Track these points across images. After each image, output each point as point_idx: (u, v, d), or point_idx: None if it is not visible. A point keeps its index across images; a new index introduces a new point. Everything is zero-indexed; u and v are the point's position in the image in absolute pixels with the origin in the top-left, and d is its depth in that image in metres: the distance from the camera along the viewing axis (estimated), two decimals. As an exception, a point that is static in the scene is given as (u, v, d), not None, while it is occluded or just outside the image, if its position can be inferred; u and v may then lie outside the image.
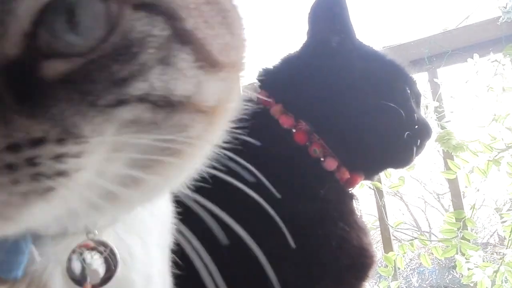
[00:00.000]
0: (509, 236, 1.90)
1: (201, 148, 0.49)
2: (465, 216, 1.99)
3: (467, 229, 1.98)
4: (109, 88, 0.40)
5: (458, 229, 1.96)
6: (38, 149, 0.37)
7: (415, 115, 1.10)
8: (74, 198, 0.41)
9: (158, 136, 0.42)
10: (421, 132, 1.10)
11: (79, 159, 0.39)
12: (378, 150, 1.08)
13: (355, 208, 1.11)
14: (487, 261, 2.01)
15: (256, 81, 1.21)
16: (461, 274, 1.94)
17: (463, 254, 1.92)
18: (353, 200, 1.11)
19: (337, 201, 1.05)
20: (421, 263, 2.62)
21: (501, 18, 1.90)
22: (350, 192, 1.11)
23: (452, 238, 1.96)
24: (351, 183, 1.11)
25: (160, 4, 0.41)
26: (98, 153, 0.40)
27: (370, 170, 1.16)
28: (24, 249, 0.46)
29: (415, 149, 1.09)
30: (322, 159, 1.07)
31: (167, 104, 0.42)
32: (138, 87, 0.40)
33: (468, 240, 1.96)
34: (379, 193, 2.07)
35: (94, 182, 0.41)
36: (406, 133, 1.07)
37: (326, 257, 1.00)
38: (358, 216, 1.08)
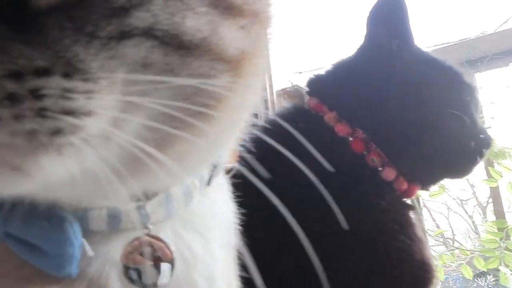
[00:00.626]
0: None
1: (234, 107, 0.43)
2: (508, 226, 1.92)
3: (510, 240, 1.91)
4: (108, 18, 0.35)
5: (501, 239, 1.90)
6: (43, 80, 0.32)
7: (478, 123, 1.05)
8: (89, 154, 0.35)
9: (175, 79, 0.37)
10: (484, 142, 1.04)
11: (89, 100, 0.34)
12: (441, 160, 1.03)
13: (414, 219, 1.06)
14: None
15: (304, 87, 1.17)
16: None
17: (507, 266, 1.85)
18: (411, 211, 1.06)
19: (396, 212, 1.00)
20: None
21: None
22: (407, 202, 1.06)
23: (495, 248, 1.89)
24: (409, 193, 1.06)
25: None
26: (110, 97, 0.36)
27: (429, 180, 1.11)
28: (72, 239, 0.41)
29: (478, 159, 1.04)
30: (380, 168, 1.02)
31: (178, 45, 0.38)
32: (140, 17, 0.36)
33: (511, 251, 1.89)
34: (417, 201, 2.01)
35: (111, 136, 0.36)
36: (472, 142, 1.02)
37: (387, 271, 0.95)
38: (417, 228, 1.04)
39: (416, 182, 1.07)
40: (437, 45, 2.10)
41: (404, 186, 1.05)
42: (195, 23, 0.38)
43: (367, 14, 1.05)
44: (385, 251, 0.95)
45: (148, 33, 0.36)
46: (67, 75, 0.34)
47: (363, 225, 0.95)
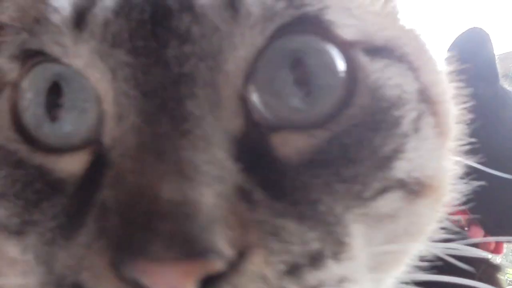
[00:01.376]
0: None
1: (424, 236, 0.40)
2: None
3: None
4: (374, 172, 0.32)
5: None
6: (319, 271, 0.28)
7: None
8: None
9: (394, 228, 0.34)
10: None
11: (352, 283, 0.30)
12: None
13: (500, 281, 0.96)
14: None
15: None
16: None
17: None
18: (499, 272, 0.96)
19: (488, 279, 0.90)
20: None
21: None
22: (495, 263, 0.96)
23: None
24: (497, 251, 0.96)
25: (394, 47, 0.34)
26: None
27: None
28: None
29: None
30: (466, 228, 0.92)
31: (417, 189, 0.34)
32: (400, 167, 0.33)
33: None
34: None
35: None
36: None
37: None
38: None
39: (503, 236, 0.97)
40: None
41: (492, 245, 0.94)
42: (433, 162, 0.36)
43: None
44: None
45: (403, 184, 0.33)
46: (336, 255, 0.29)
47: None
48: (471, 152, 0.49)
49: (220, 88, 0.30)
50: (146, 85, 0.30)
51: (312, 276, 0.28)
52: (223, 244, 0.25)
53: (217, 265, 0.25)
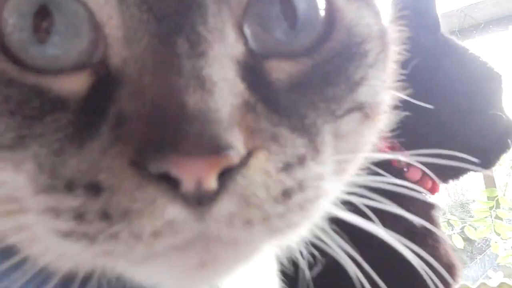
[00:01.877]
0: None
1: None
2: (497, 195, 1.95)
3: (499, 208, 1.94)
4: (346, 95, 0.39)
5: (491, 208, 1.93)
6: (304, 169, 0.35)
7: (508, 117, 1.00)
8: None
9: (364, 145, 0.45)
10: None
11: (323, 180, 0.37)
12: (474, 157, 0.99)
13: (437, 218, 1.03)
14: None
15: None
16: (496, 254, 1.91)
17: (498, 234, 1.89)
18: (435, 210, 1.03)
19: (423, 215, 0.96)
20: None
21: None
22: (431, 201, 1.03)
23: (486, 217, 1.92)
24: (433, 191, 1.03)
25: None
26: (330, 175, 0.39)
27: (454, 177, 1.07)
28: None
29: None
30: (405, 169, 0.98)
31: (371, 115, 0.42)
32: (363, 92, 0.40)
33: (501, 219, 1.93)
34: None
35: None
36: (509, 140, 0.97)
37: (418, 278, 0.92)
38: (440, 227, 1.00)
39: (440, 179, 1.04)
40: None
41: (429, 184, 1.00)
42: (386, 92, 0.44)
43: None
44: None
45: (362, 107, 0.40)
46: (314, 158, 0.36)
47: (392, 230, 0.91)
48: (402, 87, 0.54)
49: (225, 17, 0.35)
50: (160, 11, 0.34)
51: (299, 172, 0.35)
52: (238, 143, 0.31)
53: (234, 160, 0.31)
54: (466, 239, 2.07)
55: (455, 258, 0.99)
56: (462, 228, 1.97)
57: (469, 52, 1.02)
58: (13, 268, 0.36)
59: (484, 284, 1.54)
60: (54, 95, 0.34)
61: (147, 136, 0.31)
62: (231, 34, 0.35)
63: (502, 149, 1.01)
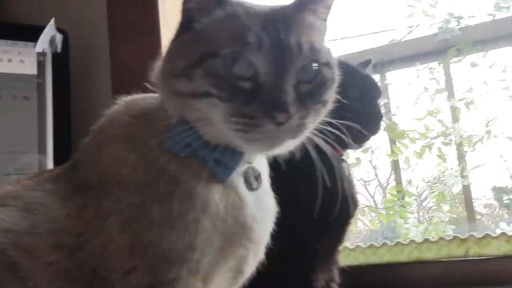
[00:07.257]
0: (436, 203, 2.47)
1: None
2: (403, 189, 2.52)
3: (404, 199, 2.51)
4: (319, 97, 0.79)
5: (398, 199, 2.49)
6: (305, 120, 0.76)
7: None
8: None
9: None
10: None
11: (309, 123, 0.78)
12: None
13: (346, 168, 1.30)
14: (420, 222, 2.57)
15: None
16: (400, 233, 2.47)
17: (401, 218, 2.45)
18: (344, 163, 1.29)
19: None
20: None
21: (438, 35, 2.41)
22: (341, 157, 1.25)
23: (394, 206, 2.49)
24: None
25: (325, 62, 0.81)
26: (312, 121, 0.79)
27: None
28: (239, 164, 0.83)
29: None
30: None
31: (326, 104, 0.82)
32: (325, 97, 0.80)
33: (405, 207, 2.49)
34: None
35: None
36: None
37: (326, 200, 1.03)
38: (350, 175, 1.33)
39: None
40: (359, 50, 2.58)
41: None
42: (331, 98, 0.86)
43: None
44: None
45: (325, 102, 0.83)
46: (303, 117, 0.77)
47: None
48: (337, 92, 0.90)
49: (293, 47, 0.75)
50: (273, 41, 0.74)
51: (304, 120, 0.77)
52: (292, 109, 0.75)
53: (291, 114, 0.75)
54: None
55: (356, 194, 1.28)
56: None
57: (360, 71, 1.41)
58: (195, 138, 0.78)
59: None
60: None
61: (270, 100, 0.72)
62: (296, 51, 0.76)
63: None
